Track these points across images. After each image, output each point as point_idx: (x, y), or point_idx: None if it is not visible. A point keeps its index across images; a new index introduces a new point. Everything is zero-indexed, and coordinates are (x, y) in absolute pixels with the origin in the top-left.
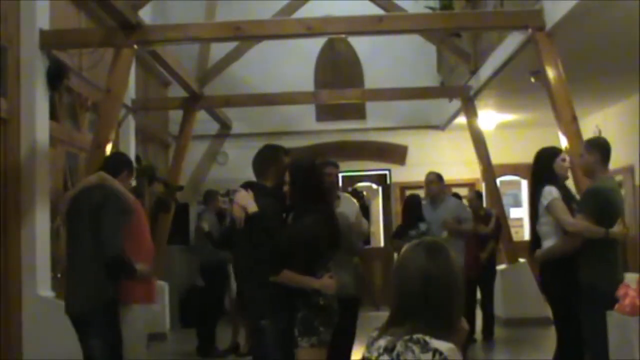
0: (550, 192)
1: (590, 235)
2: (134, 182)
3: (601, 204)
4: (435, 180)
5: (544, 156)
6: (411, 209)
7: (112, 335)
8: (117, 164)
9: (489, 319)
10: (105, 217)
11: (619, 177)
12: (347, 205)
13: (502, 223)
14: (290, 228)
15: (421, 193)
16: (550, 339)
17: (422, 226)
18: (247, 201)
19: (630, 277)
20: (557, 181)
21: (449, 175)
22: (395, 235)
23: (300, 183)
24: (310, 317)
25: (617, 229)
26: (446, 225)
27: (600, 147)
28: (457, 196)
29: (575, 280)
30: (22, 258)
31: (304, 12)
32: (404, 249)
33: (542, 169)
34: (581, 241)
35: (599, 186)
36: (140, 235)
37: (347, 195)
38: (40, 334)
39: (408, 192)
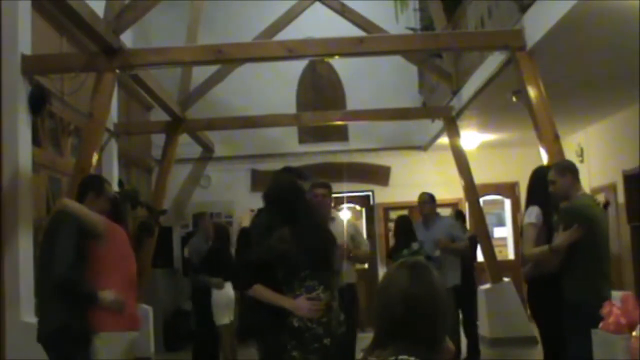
0: (530, 214)
1: (542, 258)
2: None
3: (577, 220)
4: (428, 200)
5: (539, 176)
6: (404, 230)
7: None
8: (82, 187)
9: (474, 339)
10: (55, 241)
11: (600, 196)
12: (338, 227)
13: (477, 242)
14: (263, 242)
15: (406, 213)
16: (536, 358)
17: (415, 245)
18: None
19: (615, 295)
20: (550, 201)
21: None
22: (389, 256)
23: (278, 200)
24: (283, 340)
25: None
26: (440, 244)
27: (571, 170)
28: (460, 214)
29: (561, 298)
30: (6, 284)
31: (285, 35)
32: (387, 270)
33: (537, 188)
34: (558, 258)
35: (573, 204)
36: (114, 261)
37: (339, 216)
38: None
39: (392, 213)
